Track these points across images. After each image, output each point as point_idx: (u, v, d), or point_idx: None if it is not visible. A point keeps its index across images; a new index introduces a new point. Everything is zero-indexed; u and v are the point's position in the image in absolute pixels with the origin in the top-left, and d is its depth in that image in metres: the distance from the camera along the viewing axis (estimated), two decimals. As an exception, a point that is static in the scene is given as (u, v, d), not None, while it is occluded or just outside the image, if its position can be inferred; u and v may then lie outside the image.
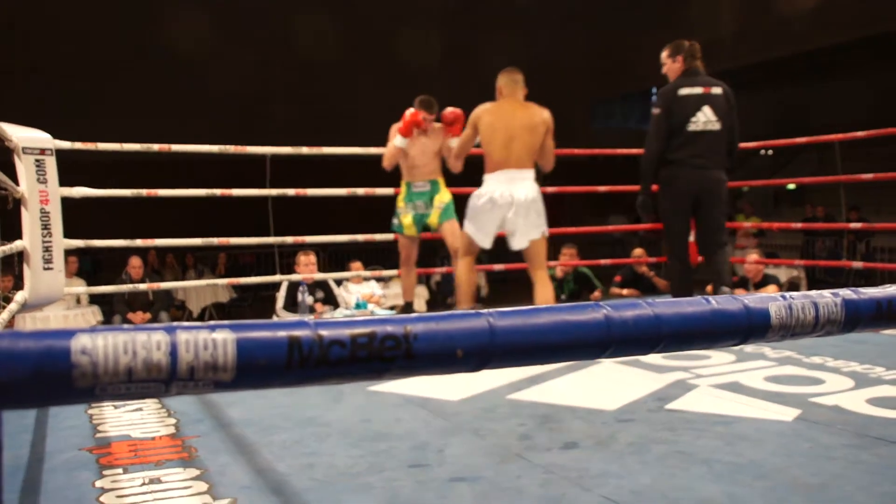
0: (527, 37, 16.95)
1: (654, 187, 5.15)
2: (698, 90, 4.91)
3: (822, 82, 18.18)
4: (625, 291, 7.56)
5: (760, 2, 16.93)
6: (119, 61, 15.35)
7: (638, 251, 7.81)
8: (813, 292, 0.84)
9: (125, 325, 0.66)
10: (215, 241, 5.16)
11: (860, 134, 5.87)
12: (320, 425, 2.98)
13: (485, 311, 0.70)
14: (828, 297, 0.84)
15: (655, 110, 5.02)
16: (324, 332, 0.63)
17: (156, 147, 4.83)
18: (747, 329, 0.80)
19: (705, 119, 4.86)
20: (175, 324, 0.66)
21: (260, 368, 0.62)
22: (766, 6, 16.82)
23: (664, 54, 5.08)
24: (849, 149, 7.89)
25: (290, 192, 5.37)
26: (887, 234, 12.18)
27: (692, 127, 4.88)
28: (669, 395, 3.34)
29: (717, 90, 4.94)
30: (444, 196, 5.37)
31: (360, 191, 5.49)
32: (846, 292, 0.87)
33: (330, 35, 16.43)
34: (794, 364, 3.93)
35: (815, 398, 3.24)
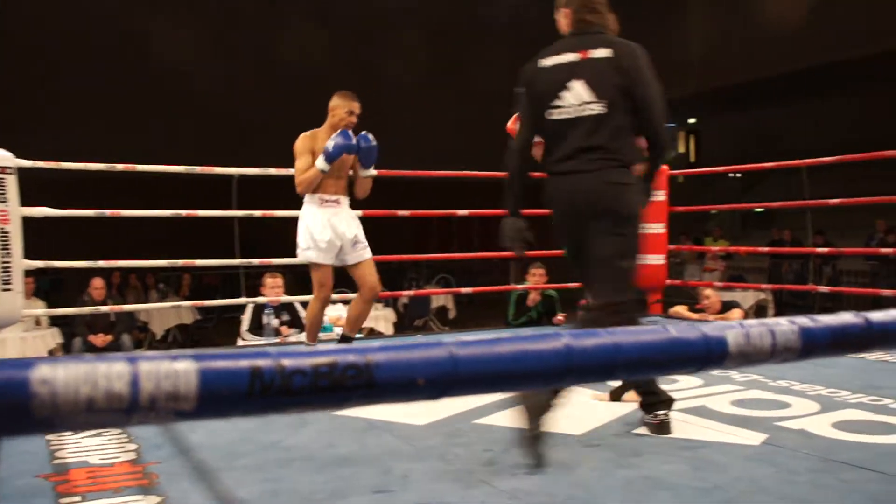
0: (510, 52, 17.06)
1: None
2: (569, 57, 3.09)
3: (793, 106, 18.48)
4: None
5: (731, 26, 17.20)
6: (85, 76, 15.21)
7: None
8: (770, 320, 0.85)
9: (86, 355, 0.65)
10: (179, 262, 5.12)
11: (827, 160, 5.96)
12: (283, 450, 2.95)
13: (447, 340, 0.70)
14: (784, 325, 0.85)
15: (519, 90, 3.31)
16: (285, 362, 0.62)
17: (119, 167, 4.80)
18: (705, 357, 0.81)
19: (575, 100, 3.05)
20: (137, 353, 0.65)
21: (221, 398, 0.62)
22: (737, 31, 17.09)
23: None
24: (816, 172, 8.02)
25: (257, 213, 5.35)
26: (853, 257, 12.35)
27: (555, 114, 3.10)
28: (636, 419, 3.34)
29: (600, 52, 3.05)
30: None
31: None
32: (803, 320, 0.88)
33: (315, 51, 16.43)
34: (761, 388, 3.95)
35: (781, 422, 3.26)
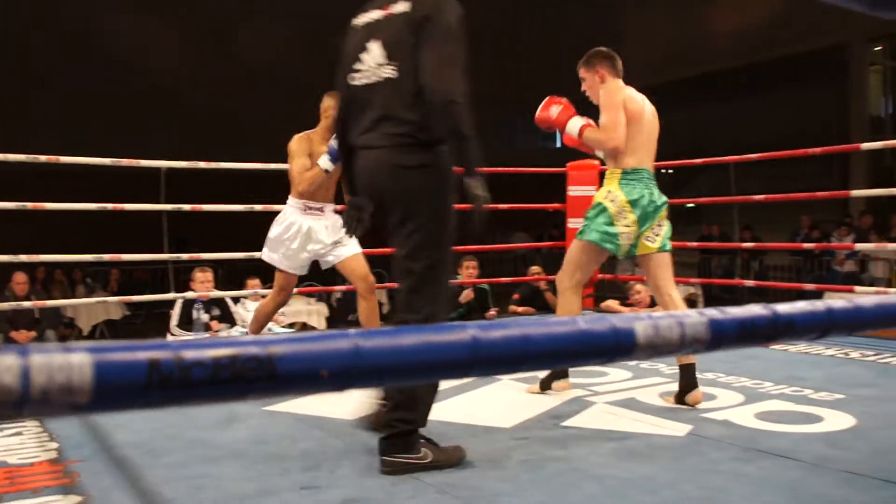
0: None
1: None
2: (374, 15, 2.72)
3: (729, 103, 18.85)
4: (520, 309, 7.62)
5: (667, 24, 17.47)
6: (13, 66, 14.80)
7: (535, 269, 7.90)
8: (679, 312, 0.86)
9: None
10: (105, 257, 5.01)
11: (753, 156, 6.08)
12: (211, 447, 2.91)
13: (351, 331, 0.69)
14: (694, 317, 0.86)
15: None
16: (185, 354, 0.61)
17: (42, 158, 4.67)
18: (614, 348, 0.81)
19: (372, 62, 2.67)
20: (30, 345, 0.63)
21: (118, 391, 0.60)
22: (672, 29, 17.36)
23: None
24: (747, 169, 8.19)
25: (186, 207, 5.25)
26: (779, 252, 12.63)
27: (355, 79, 2.74)
28: (566, 412, 3.37)
29: (399, 7, 2.64)
30: None
31: (258, 207, 5.40)
32: (712, 312, 0.89)
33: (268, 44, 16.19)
34: (687, 380, 4.01)
35: (706, 413, 3.32)
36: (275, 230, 4.41)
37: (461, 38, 2.60)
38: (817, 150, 5.77)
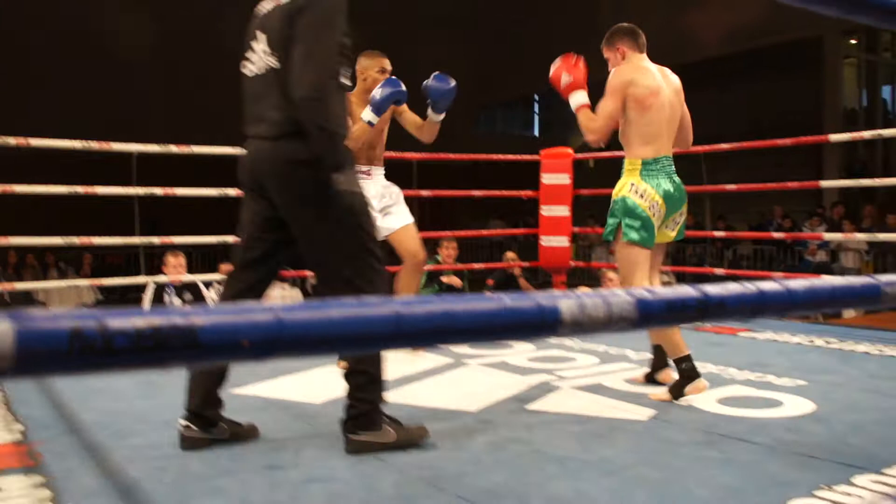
0: (412, 41, 16.99)
1: None
2: (268, 5, 2.73)
3: (705, 92, 18.98)
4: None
5: (646, 13, 17.53)
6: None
7: (510, 255, 7.93)
8: (606, 291, 0.88)
9: None
10: (76, 240, 4.98)
11: (724, 146, 6.12)
12: (177, 429, 2.91)
13: (276, 304, 0.71)
14: (621, 296, 0.88)
15: None
16: (109, 323, 0.62)
17: (12, 141, 4.63)
18: (538, 325, 0.83)
19: (260, 52, 2.67)
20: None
21: (39, 357, 0.61)
22: (652, 18, 17.42)
23: None
24: (722, 159, 8.24)
25: (158, 191, 5.23)
26: (752, 241, 12.75)
27: (245, 69, 2.75)
28: (531, 396, 3.41)
29: None
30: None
31: (232, 192, 5.38)
32: (640, 292, 0.91)
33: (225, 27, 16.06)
34: (654, 366, 4.05)
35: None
36: None
37: (336, 27, 2.55)
38: (787, 140, 5.83)
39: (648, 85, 3.36)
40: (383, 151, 4.24)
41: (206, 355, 0.66)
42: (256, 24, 2.71)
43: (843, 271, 10.25)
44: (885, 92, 19.89)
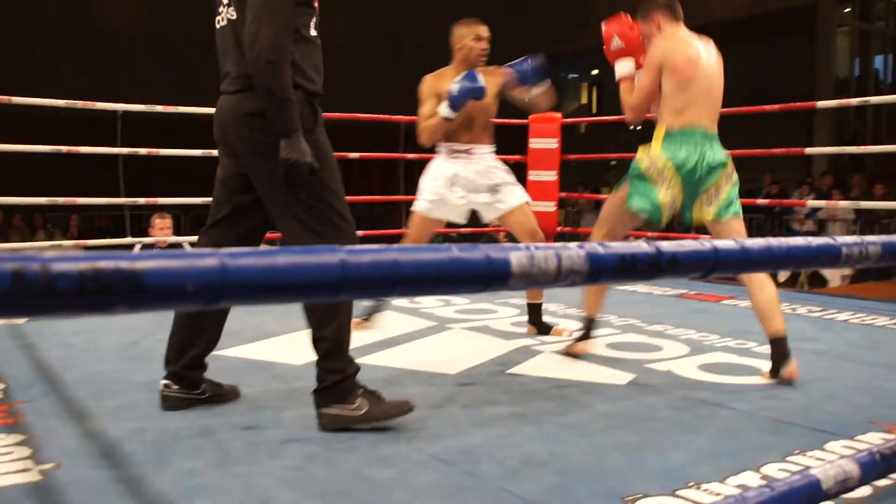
0: (365, 6, 16.82)
1: None
2: None
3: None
4: None
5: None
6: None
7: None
8: (558, 244, 0.88)
9: None
10: (60, 200, 4.96)
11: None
12: (157, 390, 2.90)
13: (221, 250, 0.71)
14: (572, 249, 0.88)
15: None
16: (52, 266, 0.62)
17: (-2, 99, 4.59)
18: (488, 276, 0.83)
19: (225, 4, 2.61)
20: None
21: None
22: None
23: None
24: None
25: (142, 151, 5.20)
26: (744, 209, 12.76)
27: (216, 22, 2.68)
28: (512, 360, 3.42)
29: None
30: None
31: (216, 152, 5.34)
32: (592, 245, 0.91)
33: None
34: (637, 332, 4.08)
35: (650, 364, 3.38)
36: (424, 181, 4.04)
37: None
38: (774, 107, 5.82)
39: (687, 54, 3.21)
40: (489, 130, 4.02)
41: (151, 300, 0.66)
42: None
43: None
44: (878, 62, 19.85)
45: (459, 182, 3.92)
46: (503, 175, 3.97)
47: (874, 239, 1.23)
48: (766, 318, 3.18)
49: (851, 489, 1.60)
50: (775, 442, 2.36)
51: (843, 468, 1.53)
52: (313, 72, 2.59)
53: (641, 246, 0.95)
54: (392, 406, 2.52)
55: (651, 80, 3.22)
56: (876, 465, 1.62)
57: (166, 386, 2.73)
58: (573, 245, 0.88)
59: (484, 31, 3.91)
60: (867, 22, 19.35)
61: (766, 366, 3.18)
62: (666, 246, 0.96)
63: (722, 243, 1.01)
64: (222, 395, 2.80)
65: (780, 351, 3.11)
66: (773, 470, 2.13)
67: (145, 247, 6.26)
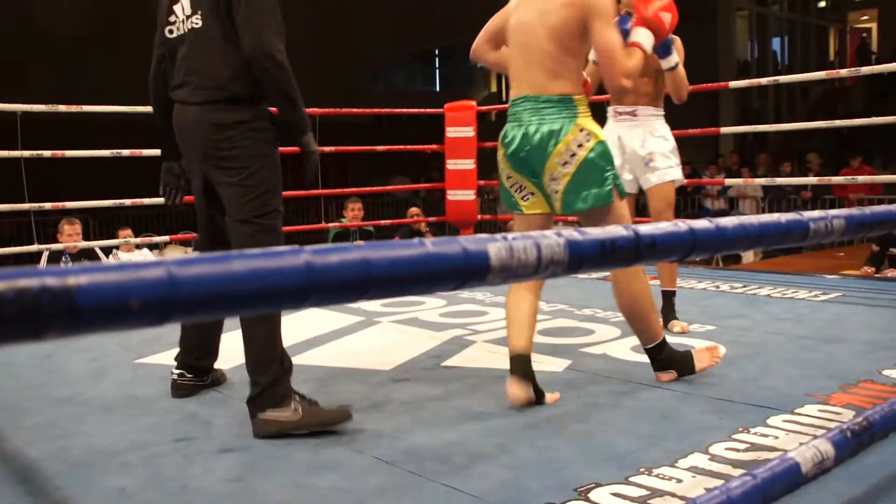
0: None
1: None
2: None
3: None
4: None
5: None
6: None
7: (414, 210, 7.90)
8: (535, 233, 0.82)
9: None
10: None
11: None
12: (79, 405, 2.77)
13: (167, 259, 0.62)
14: (551, 238, 0.82)
15: None
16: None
17: None
18: (466, 272, 0.77)
19: (182, 15, 2.56)
20: None
21: None
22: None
23: None
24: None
25: (46, 153, 4.96)
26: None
27: (168, 31, 2.62)
28: (446, 352, 3.37)
29: None
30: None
31: (126, 152, 5.15)
32: (571, 233, 0.86)
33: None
34: (567, 316, 4.07)
35: (584, 348, 3.37)
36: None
37: None
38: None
39: (506, 12, 2.79)
40: (653, 88, 3.67)
41: (88, 322, 0.56)
42: None
43: (741, 218, 10.52)
44: (775, 44, 20.49)
45: (625, 148, 3.66)
46: (657, 145, 3.67)
47: (838, 212, 1.21)
48: (638, 321, 2.85)
49: (828, 469, 1.60)
50: (718, 421, 2.36)
51: (819, 449, 1.52)
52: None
53: (619, 231, 0.90)
54: (329, 413, 2.43)
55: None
56: (848, 443, 1.62)
57: (181, 375, 2.84)
58: (551, 233, 0.82)
59: None
60: (763, 5, 19.94)
61: (700, 344, 3.20)
62: (644, 230, 0.91)
63: (698, 224, 0.97)
64: (217, 380, 2.98)
65: (659, 359, 2.84)
66: (720, 449, 2.12)
67: (53, 254, 6.01)
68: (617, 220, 2.62)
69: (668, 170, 3.67)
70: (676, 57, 3.47)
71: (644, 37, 2.77)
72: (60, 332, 0.56)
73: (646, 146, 3.65)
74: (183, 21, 2.55)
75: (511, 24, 2.71)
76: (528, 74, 2.65)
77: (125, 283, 0.58)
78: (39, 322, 0.54)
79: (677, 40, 3.60)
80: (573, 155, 2.58)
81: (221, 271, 0.63)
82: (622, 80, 2.57)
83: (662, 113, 3.75)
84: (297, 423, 2.37)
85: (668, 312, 3.75)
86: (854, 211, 1.28)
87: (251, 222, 2.50)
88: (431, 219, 7.62)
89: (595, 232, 0.87)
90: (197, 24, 2.50)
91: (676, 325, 3.67)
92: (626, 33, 2.96)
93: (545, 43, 2.60)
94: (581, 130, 2.59)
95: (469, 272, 0.76)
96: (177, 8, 2.57)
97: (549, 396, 2.63)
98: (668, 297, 3.81)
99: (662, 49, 3.37)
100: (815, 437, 1.73)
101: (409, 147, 7.21)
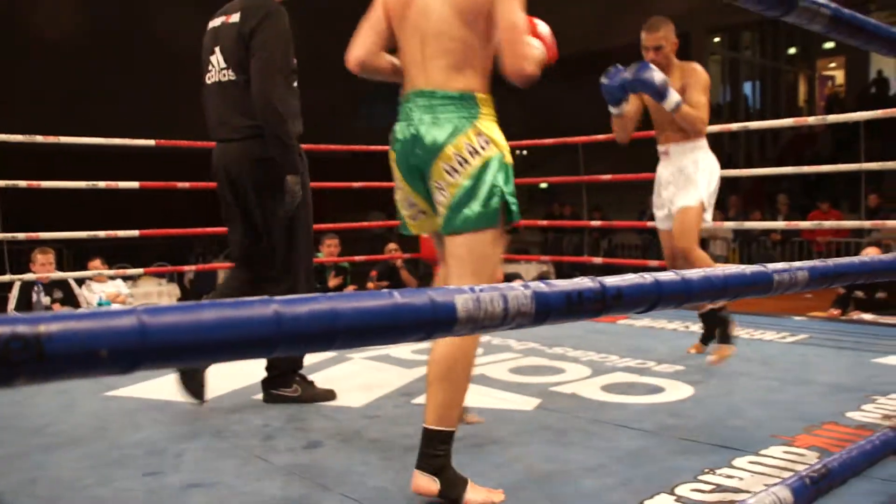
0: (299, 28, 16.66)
1: None
2: (217, 21, 3.19)
3: (576, 87, 19.35)
4: (373, 285, 7.67)
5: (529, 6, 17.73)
6: None
7: (391, 246, 7.92)
8: (503, 285, 0.85)
9: None
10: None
11: (600, 137, 6.23)
12: (48, 436, 2.76)
13: (139, 307, 0.64)
14: (518, 290, 0.85)
15: None
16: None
17: None
18: (432, 323, 0.79)
19: (218, 66, 3.14)
20: None
21: None
22: (533, 10, 17.63)
23: None
24: (597, 151, 8.41)
25: (22, 183, 4.94)
26: (628, 232, 13.11)
27: (207, 78, 3.21)
28: (416, 389, 3.38)
29: (234, 17, 3.09)
30: None
31: (102, 184, 5.14)
32: (538, 284, 0.88)
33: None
34: (537, 355, 4.10)
35: (554, 387, 3.39)
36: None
37: (286, 45, 3.08)
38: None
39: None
40: (678, 128, 3.76)
41: (57, 369, 0.58)
42: (210, 38, 3.19)
43: (714, 258, 10.64)
44: (747, 88, 20.85)
45: (662, 184, 3.87)
46: (685, 180, 3.76)
47: (802, 265, 1.25)
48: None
49: (786, 517, 1.61)
50: (685, 461, 2.39)
51: (778, 496, 1.55)
52: (298, 117, 3.19)
53: (585, 283, 0.92)
54: (319, 393, 3.26)
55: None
56: (807, 490, 1.64)
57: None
58: (518, 285, 0.85)
59: (644, 38, 3.89)
60: (736, 51, 20.31)
61: (669, 384, 3.23)
62: (610, 281, 0.94)
63: (664, 276, 1.00)
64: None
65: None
66: (686, 490, 2.15)
67: (26, 284, 5.98)
68: (488, 258, 2.15)
69: (682, 194, 3.75)
70: (676, 97, 3.57)
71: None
72: (29, 380, 0.57)
73: (674, 183, 3.79)
74: (218, 71, 3.15)
75: (407, 12, 2.21)
76: (426, 66, 2.18)
77: (96, 332, 0.60)
78: (8, 370, 0.55)
79: (699, 69, 3.81)
80: (464, 163, 2.10)
81: (191, 320, 0.65)
82: (525, 63, 2.10)
83: (700, 144, 3.82)
84: (297, 397, 3.21)
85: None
86: (817, 263, 1.32)
87: (281, 246, 3.24)
88: (407, 255, 7.65)
89: (562, 284, 0.90)
90: (231, 76, 3.11)
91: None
92: (648, 82, 3.46)
93: (451, 25, 2.15)
94: (479, 135, 2.11)
95: (436, 323, 0.79)
96: (213, 59, 3.16)
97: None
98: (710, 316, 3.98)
99: (657, 95, 3.55)
100: (776, 482, 1.76)
101: (385, 184, 7.23)
